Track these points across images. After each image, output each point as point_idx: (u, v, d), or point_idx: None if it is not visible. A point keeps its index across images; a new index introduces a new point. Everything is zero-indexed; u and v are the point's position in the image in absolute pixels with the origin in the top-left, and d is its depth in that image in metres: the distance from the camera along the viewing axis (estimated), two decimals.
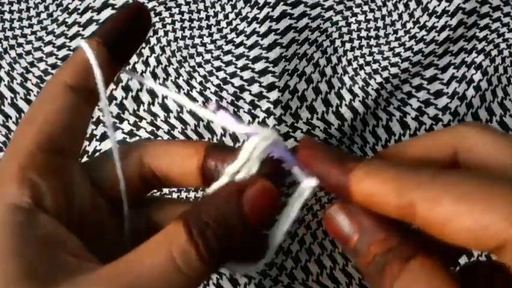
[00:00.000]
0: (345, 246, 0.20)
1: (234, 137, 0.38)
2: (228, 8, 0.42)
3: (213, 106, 0.23)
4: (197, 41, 0.41)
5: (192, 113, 0.38)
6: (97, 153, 0.38)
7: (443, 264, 0.18)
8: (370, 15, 0.42)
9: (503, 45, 0.41)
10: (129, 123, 0.39)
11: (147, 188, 0.25)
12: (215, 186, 0.22)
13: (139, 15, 0.23)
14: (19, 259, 0.18)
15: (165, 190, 0.37)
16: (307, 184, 0.22)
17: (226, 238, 0.19)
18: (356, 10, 0.42)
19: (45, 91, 0.22)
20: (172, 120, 0.38)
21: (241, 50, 0.40)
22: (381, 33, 0.42)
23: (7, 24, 0.42)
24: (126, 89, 0.39)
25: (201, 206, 0.20)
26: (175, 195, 0.37)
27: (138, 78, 0.25)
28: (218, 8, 0.42)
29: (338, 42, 0.41)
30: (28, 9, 0.43)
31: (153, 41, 0.40)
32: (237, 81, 0.39)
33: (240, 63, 0.40)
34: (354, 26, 0.42)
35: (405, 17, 0.42)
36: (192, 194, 0.37)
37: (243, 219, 0.20)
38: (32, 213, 0.19)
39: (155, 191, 0.35)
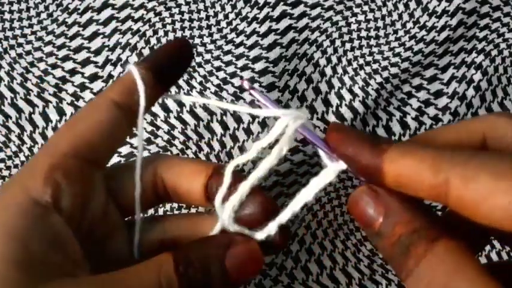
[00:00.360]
0: (369, 229, 0.20)
1: (234, 137, 0.38)
2: (228, 8, 0.42)
3: (247, 83, 0.24)
4: (197, 41, 0.41)
5: (192, 113, 0.38)
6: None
7: (469, 249, 0.18)
8: (370, 15, 0.42)
9: (503, 45, 0.41)
10: None
11: (158, 200, 0.26)
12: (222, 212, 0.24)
13: (184, 49, 0.26)
14: (19, 246, 0.19)
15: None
16: (334, 168, 0.22)
17: (206, 281, 0.21)
18: (356, 10, 0.42)
19: (91, 103, 0.24)
20: (172, 120, 0.38)
21: (241, 50, 0.40)
22: (381, 33, 0.42)
23: (7, 24, 0.42)
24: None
25: (189, 246, 0.22)
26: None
27: (178, 97, 0.27)
28: (218, 8, 0.42)
29: (338, 42, 0.41)
30: (28, 9, 0.43)
31: (153, 41, 0.40)
32: (237, 81, 0.39)
33: (240, 63, 0.40)
34: (354, 26, 0.42)
35: (405, 17, 0.42)
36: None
37: (223, 273, 0.21)
38: (47, 211, 0.20)
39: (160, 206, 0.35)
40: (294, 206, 0.23)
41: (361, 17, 0.42)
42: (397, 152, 0.19)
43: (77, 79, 0.40)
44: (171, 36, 0.41)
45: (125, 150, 0.38)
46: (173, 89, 0.39)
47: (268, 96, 0.24)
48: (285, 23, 0.40)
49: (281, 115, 0.23)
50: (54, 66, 0.40)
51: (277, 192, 0.38)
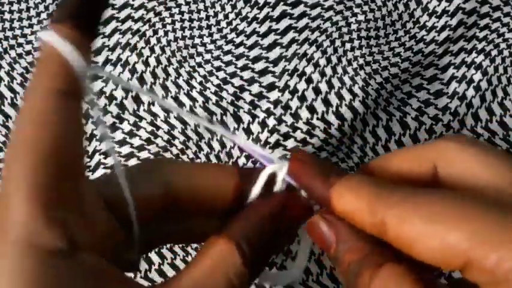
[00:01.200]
0: (327, 253, 0.21)
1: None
2: (228, 8, 0.42)
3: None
4: (197, 41, 0.41)
5: (193, 113, 0.38)
6: (97, 154, 0.38)
7: (414, 271, 0.19)
8: (370, 15, 0.42)
9: (503, 45, 0.41)
10: (129, 123, 0.39)
11: (167, 209, 0.23)
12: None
13: None
14: None
15: None
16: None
17: (266, 250, 0.21)
18: (356, 10, 0.42)
19: (33, 104, 0.18)
20: (172, 120, 0.38)
21: (241, 50, 0.40)
22: (381, 33, 0.42)
23: (7, 24, 0.42)
24: (126, 89, 0.39)
25: (246, 227, 0.21)
26: None
27: (108, 75, 0.23)
28: (218, 8, 0.42)
29: (338, 42, 0.41)
30: (28, 9, 0.43)
31: (153, 41, 0.40)
32: (237, 81, 0.39)
33: (240, 63, 0.40)
34: (354, 26, 0.42)
35: (405, 17, 0.42)
36: None
37: (290, 233, 0.22)
38: (72, 255, 0.17)
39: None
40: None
41: (361, 17, 0.42)
42: (343, 187, 0.20)
43: None
44: (171, 36, 0.41)
45: (124, 150, 0.38)
46: (173, 90, 0.39)
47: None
48: (285, 23, 0.40)
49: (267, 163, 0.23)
50: None
51: None
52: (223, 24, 0.41)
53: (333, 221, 0.21)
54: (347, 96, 0.39)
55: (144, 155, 0.38)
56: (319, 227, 0.21)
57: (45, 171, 0.17)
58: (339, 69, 0.40)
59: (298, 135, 0.38)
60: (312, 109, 0.39)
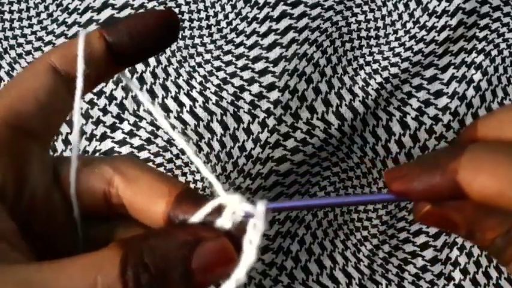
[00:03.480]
0: (456, 232, 0.20)
1: (234, 137, 0.38)
2: (228, 8, 0.42)
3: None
4: (197, 41, 0.41)
5: (192, 113, 0.38)
6: (97, 154, 0.38)
7: None
8: (370, 15, 0.42)
9: (503, 45, 0.41)
10: (129, 123, 0.39)
11: (111, 211, 0.22)
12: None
13: (164, 23, 0.21)
14: None
15: None
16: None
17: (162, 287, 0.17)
18: (356, 10, 0.42)
19: (28, 67, 0.21)
20: (172, 120, 0.38)
21: (241, 50, 0.40)
22: (381, 33, 0.42)
23: (7, 24, 0.42)
24: (126, 89, 0.39)
25: (147, 242, 0.17)
26: None
27: (130, 84, 0.23)
28: (218, 8, 0.42)
29: (338, 42, 0.41)
30: (28, 9, 0.43)
31: None
32: (237, 81, 0.39)
33: (240, 63, 0.40)
34: (354, 26, 0.42)
35: (405, 17, 0.42)
36: None
37: (187, 277, 0.17)
38: None
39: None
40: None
41: (361, 17, 0.42)
42: (469, 171, 0.17)
43: None
44: None
45: (124, 150, 0.38)
46: (173, 89, 0.39)
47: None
48: (285, 23, 0.40)
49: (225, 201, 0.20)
50: None
51: (277, 192, 0.38)
52: (223, 24, 0.41)
53: (458, 205, 0.19)
54: (347, 96, 0.39)
55: (144, 155, 0.38)
56: (430, 219, 0.19)
57: (0, 115, 0.19)
58: (339, 69, 0.40)
59: (298, 135, 0.38)
60: (312, 109, 0.39)
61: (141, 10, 0.41)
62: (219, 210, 0.20)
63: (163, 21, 0.21)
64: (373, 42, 0.41)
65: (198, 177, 0.37)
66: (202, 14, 0.42)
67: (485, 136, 0.19)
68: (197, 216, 0.20)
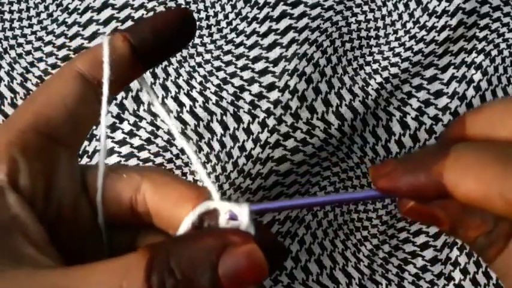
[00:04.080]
0: (441, 228, 0.20)
1: (234, 137, 0.38)
2: (228, 8, 0.42)
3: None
4: (197, 41, 0.41)
5: (192, 113, 0.38)
6: (97, 154, 0.38)
7: None
8: (370, 15, 0.42)
9: (503, 45, 0.41)
10: (129, 123, 0.39)
11: (138, 221, 0.22)
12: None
13: (182, 22, 0.22)
14: None
15: None
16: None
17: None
18: (356, 10, 0.42)
19: (56, 74, 0.21)
20: (173, 120, 0.38)
21: (241, 50, 0.40)
22: (381, 33, 0.42)
23: (7, 24, 0.42)
24: (126, 89, 0.39)
25: (174, 247, 0.17)
26: None
27: (148, 90, 0.23)
28: (218, 8, 0.42)
29: (338, 42, 0.41)
30: (28, 9, 0.43)
31: None
32: (237, 81, 0.39)
33: (240, 63, 0.40)
34: (354, 26, 0.42)
35: (405, 17, 0.42)
36: None
37: (214, 284, 0.16)
38: (3, 191, 0.18)
39: None
40: None
41: (361, 17, 0.42)
42: (454, 173, 0.17)
43: None
44: None
45: (124, 150, 0.38)
46: (173, 89, 0.39)
47: None
48: (285, 23, 0.40)
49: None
50: (54, 66, 0.40)
51: (277, 192, 0.38)
52: (223, 24, 0.41)
53: (432, 207, 0.19)
54: (347, 96, 0.39)
55: (144, 155, 0.38)
56: (427, 211, 0.19)
57: (29, 119, 0.19)
58: (339, 69, 0.40)
59: (298, 135, 0.38)
60: (312, 109, 0.39)
61: (141, 10, 0.41)
62: (211, 214, 0.20)
63: (182, 18, 0.22)
64: (373, 42, 0.41)
65: (198, 177, 0.37)
66: (202, 14, 0.42)
67: (473, 134, 0.19)
68: (189, 218, 0.20)
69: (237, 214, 0.19)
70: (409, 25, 0.42)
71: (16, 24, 0.42)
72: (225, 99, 0.39)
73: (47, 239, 0.18)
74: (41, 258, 0.17)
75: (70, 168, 0.21)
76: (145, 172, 0.22)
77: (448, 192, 0.17)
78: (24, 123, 0.19)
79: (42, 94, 0.21)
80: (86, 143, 0.38)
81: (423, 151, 0.19)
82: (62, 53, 0.41)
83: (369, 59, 0.41)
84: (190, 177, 0.38)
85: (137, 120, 0.39)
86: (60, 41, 0.41)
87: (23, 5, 0.43)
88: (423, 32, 0.41)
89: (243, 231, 0.19)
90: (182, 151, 0.38)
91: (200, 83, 0.39)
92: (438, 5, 0.41)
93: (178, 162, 0.38)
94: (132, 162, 0.38)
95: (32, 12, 0.42)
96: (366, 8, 0.42)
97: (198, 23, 0.42)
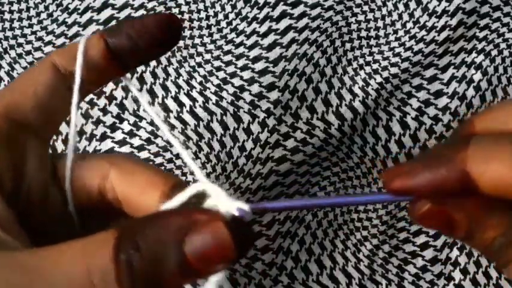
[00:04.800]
0: (453, 235, 0.19)
1: (234, 137, 0.38)
2: (228, 8, 0.42)
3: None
4: (197, 41, 0.41)
5: (192, 113, 0.38)
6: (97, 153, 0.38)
7: None
8: (370, 15, 0.42)
9: (503, 45, 0.41)
10: (129, 123, 0.39)
11: (107, 207, 0.22)
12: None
13: (164, 29, 0.21)
14: None
15: None
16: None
17: (157, 273, 0.16)
18: (356, 10, 0.42)
19: (33, 66, 0.22)
20: (172, 120, 0.38)
21: (241, 50, 0.40)
22: (381, 33, 0.42)
23: (7, 24, 0.42)
24: (126, 89, 0.39)
25: (141, 226, 0.17)
26: None
27: (133, 90, 0.23)
28: (218, 8, 0.42)
29: (338, 42, 0.41)
30: (28, 9, 0.43)
31: None
32: (237, 81, 0.39)
33: (240, 63, 0.40)
34: (354, 26, 0.42)
35: (405, 17, 0.42)
36: None
37: (181, 263, 0.16)
38: None
39: None
40: None
41: (361, 17, 0.42)
42: (479, 159, 0.16)
43: None
44: None
45: (124, 150, 0.38)
46: (173, 89, 0.39)
47: None
48: (285, 23, 0.40)
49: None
50: None
51: (277, 192, 0.38)
52: (223, 24, 0.41)
53: (459, 202, 0.18)
54: (347, 96, 0.39)
55: (144, 155, 0.38)
56: (431, 218, 0.18)
57: (1, 108, 0.20)
58: (339, 69, 0.40)
59: (298, 135, 0.38)
60: (312, 109, 0.39)
61: (141, 10, 0.41)
62: (200, 199, 0.19)
63: (163, 23, 0.21)
64: (373, 42, 0.41)
65: (198, 176, 0.37)
66: (202, 14, 0.42)
67: (485, 131, 0.19)
68: (176, 200, 0.19)
69: (213, 195, 0.19)
70: (409, 25, 0.42)
71: (16, 24, 0.42)
72: (225, 99, 0.39)
73: (15, 222, 0.18)
74: (8, 240, 0.17)
75: (40, 156, 0.21)
76: (113, 159, 0.22)
77: (473, 182, 0.16)
78: None
79: (15, 83, 0.21)
80: (86, 143, 0.38)
81: (437, 148, 0.18)
82: None
83: (369, 59, 0.41)
84: (190, 177, 0.38)
85: (137, 120, 0.39)
86: (60, 41, 0.41)
87: (23, 5, 0.43)
88: (423, 32, 0.41)
89: (211, 210, 0.18)
90: None
91: (200, 83, 0.39)
92: (438, 5, 0.41)
93: (179, 162, 0.38)
94: None
95: (32, 12, 0.42)
96: (366, 8, 0.42)
97: (198, 23, 0.42)
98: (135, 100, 0.39)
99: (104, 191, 0.22)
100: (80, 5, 0.42)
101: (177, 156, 0.38)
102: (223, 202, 0.18)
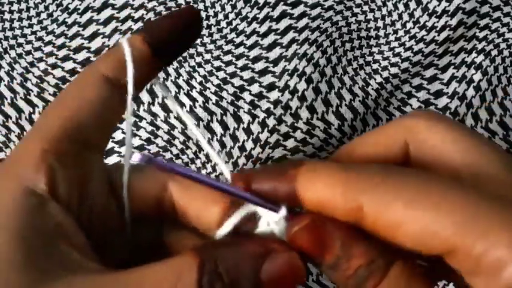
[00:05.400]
0: (319, 263, 0.19)
1: (234, 137, 0.38)
2: (228, 8, 0.42)
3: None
4: (197, 41, 0.41)
5: (192, 113, 0.38)
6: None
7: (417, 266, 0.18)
8: (370, 15, 0.42)
9: (503, 45, 0.41)
10: None
11: (163, 217, 0.23)
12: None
13: (192, 19, 0.23)
14: (25, 246, 0.17)
15: None
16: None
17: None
18: (356, 10, 0.42)
19: (80, 78, 0.22)
20: (172, 120, 0.38)
21: (241, 50, 0.40)
22: (381, 33, 0.42)
23: (7, 24, 0.42)
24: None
25: (220, 251, 0.18)
26: None
27: (164, 93, 0.24)
28: (218, 8, 0.42)
29: (338, 42, 0.41)
30: (28, 9, 0.43)
31: None
32: (237, 81, 0.39)
33: (240, 63, 0.40)
34: (354, 26, 0.42)
35: (405, 17, 0.42)
36: None
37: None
38: (45, 200, 0.18)
39: None
40: None
41: (361, 17, 0.42)
42: (306, 178, 0.19)
43: None
44: None
45: (124, 150, 0.38)
46: (173, 90, 0.39)
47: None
48: (285, 23, 0.40)
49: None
50: (54, 66, 0.40)
51: None
52: (223, 24, 0.41)
53: (328, 225, 0.19)
54: (347, 96, 0.39)
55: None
56: (304, 238, 0.19)
57: (62, 127, 0.20)
58: (339, 69, 0.40)
59: (298, 135, 0.38)
60: (312, 109, 0.39)
61: (141, 10, 0.41)
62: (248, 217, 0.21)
63: (193, 17, 0.23)
64: (373, 42, 0.41)
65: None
66: (202, 14, 0.42)
67: (359, 156, 0.22)
68: (231, 222, 0.20)
69: (273, 221, 0.20)
70: (409, 25, 0.42)
71: (16, 24, 0.42)
72: (225, 99, 0.39)
73: (88, 244, 0.19)
74: (88, 263, 0.18)
75: (101, 170, 0.22)
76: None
77: (298, 197, 0.19)
78: (56, 130, 0.20)
79: (69, 100, 0.21)
80: None
81: (281, 164, 0.21)
82: (62, 53, 0.41)
83: (369, 59, 0.41)
84: None
85: (137, 120, 0.39)
86: (60, 41, 0.41)
87: (23, 5, 0.43)
88: (423, 32, 0.41)
89: (282, 240, 0.20)
90: (182, 151, 0.38)
91: (200, 83, 0.39)
92: (438, 5, 0.41)
93: (179, 162, 0.38)
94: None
95: (32, 12, 0.42)
96: (366, 8, 0.42)
97: None
98: (136, 100, 0.39)
99: (161, 201, 0.22)
100: (80, 5, 0.42)
101: (177, 156, 0.38)
102: (275, 223, 0.20)
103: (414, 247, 0.17)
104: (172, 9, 0.41)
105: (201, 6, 0.42)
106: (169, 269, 0.17)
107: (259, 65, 0.39)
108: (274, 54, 0.39)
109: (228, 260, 0.18)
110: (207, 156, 0.38)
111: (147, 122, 0.38)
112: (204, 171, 0.38)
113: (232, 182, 0.20)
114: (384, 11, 0.42)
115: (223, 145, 0.38)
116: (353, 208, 0.17)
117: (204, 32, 0.41)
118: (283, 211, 0.20)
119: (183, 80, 0.39)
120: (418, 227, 0.16)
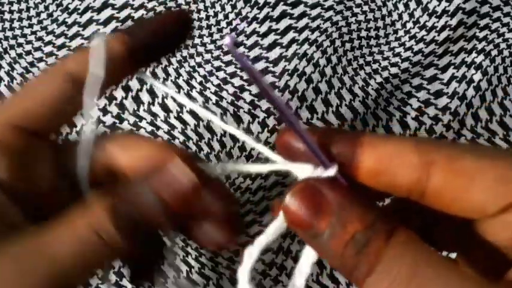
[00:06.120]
0: (308, 232, 0.18)
1: (234, 137, 0.38)
2: (228, 8, 0.42)
3: (229, 41, 0.16)
4: (197, 41, 0.41)
5: (192, 113, 0.38)
6: None
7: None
8: (370, 15, 0.42)
9: (503, 45, 0.41)
10: (129, 123, 0.39)
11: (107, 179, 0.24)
12: None
13: (180, 25, 0.22)
14: None
15: None
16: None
17: (148, 219, 0.19)
18: (356, 10, 0.42)
19: (44, 72, 0.22)
20: (172, 120, 0.38)
21: (241, 50, 0.40)
22: (381, 33, 0.42)
23: (7, 24, 0.42)
24: (126, 89, 0.39)
25: (123, 189, 0.20)
26: None
27: (148, 79, 0.24)
28: (218, 8, 0.42)
29: (338, 42, 0.41)
30: (28, 9, 0.43)
31: None
32: (237, 81, 0.39)
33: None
34: (354, 26, 0.42)
35: (405, 17, 0.42)
36: None
37: (162, 205, 0.19)
38: None
39: None
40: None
41: (361, 17, 0.42)
42: (376, 138, 0.18)
43: None
44: None
45: None
46: (173, 89, 0.39)
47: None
48: (285, 23, 0.40)
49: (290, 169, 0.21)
50: None
51: (277, 192, 0.38)
52: (223, 24, 0.41)
53: (324, 189, 0.18)
54: (347, 96, 0.39)
55: None
56: (294, 205, 0.18)
57: (11, 115, 0.21)
58: (339, 69, 0.40)
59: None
60: (312, 109, 0.39)
61: (141, 10, 0.41)
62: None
63: (181, 22, 0.23)
64: (373, 42, 0.41)
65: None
66: (202, 14, 0.42)
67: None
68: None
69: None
70: (409, 25, 0.42)
71: (16, 24, 0.42)
72: (225, 99, 0.39)
73: (22, 218, 0.20)
74: (8, 220, 0.19)
75: (49, 157, 0.22)
76: (116, 138, 0.24)
77: (360, 155, 0.18)
78: (4, 117, 0.21)
79: (28, 91, 0.22)
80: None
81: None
82: (62, 53, 0.41)
83: (369, 59, 0.41)
84: None
85: (137, 120, 0.39)
86: (60, 41, 0.41)
87: (23, 5, 0.43)
88: (423, 32, 0.41)
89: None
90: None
91: (200, 83, 0.39)
92: (438, 5, 0.41)
93: None
94: None
95: (32, 12, 0.43)
96: (366, 8, 0.42)
97: (198, 23, 0.42)
98: (136, 100, 0.39)
99: (104, 165, 0.23)
100: (80, 5, 0.42)
101: None
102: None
103: (485, 203, 0.17)
104: (172, 9, 0.42)
105: (201, 6, 0.42)
106: (81, 209, 0.19)
107: (259, 65, 0.39)
108: (274, 54, 0.39)
109: (126, 190, 0.19)
110: (206, 156, 0.38)
111: (147, 122, 0.38)
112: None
113: (308, 130, 0.19)
114: (384, 11, 0.42)
115: (223, 145, 0.38)
116: (427, 162, 0.17)
117: (204, 32, 0.41)
118: (334, 168, 0.19)
119: (183, 80, 0.39)
120: (493, 176, 0.17)
